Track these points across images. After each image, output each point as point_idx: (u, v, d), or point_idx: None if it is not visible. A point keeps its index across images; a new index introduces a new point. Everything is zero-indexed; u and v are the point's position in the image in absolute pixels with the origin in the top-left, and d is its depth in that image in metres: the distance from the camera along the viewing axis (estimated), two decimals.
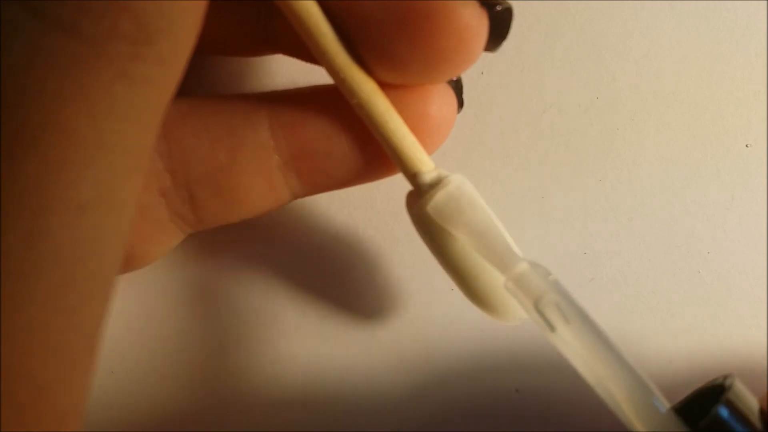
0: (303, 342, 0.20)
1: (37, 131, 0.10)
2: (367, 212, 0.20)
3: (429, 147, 0.15)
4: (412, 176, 0.15)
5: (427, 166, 0.14)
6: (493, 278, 0.15)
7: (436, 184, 0.14)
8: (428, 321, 0.20)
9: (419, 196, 0.15)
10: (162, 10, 0.10)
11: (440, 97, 0.15)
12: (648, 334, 0.20)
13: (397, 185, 0.16)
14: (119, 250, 0.11)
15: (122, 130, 0.10)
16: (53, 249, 0.10)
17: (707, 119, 0.20)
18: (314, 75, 0.16)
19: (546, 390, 0.20)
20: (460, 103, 0.16)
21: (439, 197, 0.14)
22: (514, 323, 0.16)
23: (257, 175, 0.15)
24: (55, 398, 0.11)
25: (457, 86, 0.16)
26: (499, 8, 0.14)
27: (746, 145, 0.20)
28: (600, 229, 0.20)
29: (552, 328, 0.13)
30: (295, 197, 0.16)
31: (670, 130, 0.20)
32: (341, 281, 0.20)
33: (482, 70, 0.19)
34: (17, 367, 0.10)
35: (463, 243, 0.14)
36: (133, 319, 0.20)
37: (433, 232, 0.15)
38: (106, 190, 0.10)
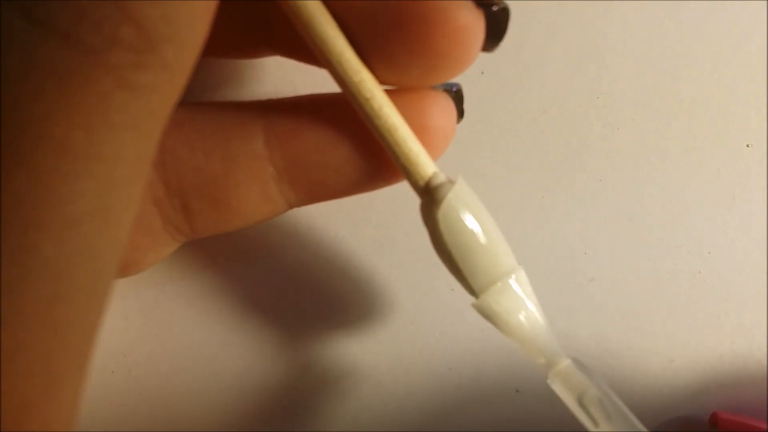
0: (303, 342, 0.20)
1: (29, 144, 0.09)
2: (366, 213, 0.20)
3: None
4: (426, 182, 0.14)
5: (436, 169, 0.14)
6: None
7: (448, 187, 0.14)
8: (428, 321, 0.20)
9: (435, 201, 0.14)
10: (167, 16, 0.10)
11: (440, 108, 0.15)
12: (648, 334, 0.20)
13: (396, 186, 0.16)
14: (113, 262, 0.11)
15: (121, 141, 0.10)
16: (41, 264, 0.10)
17: (707, 119, 0.20)
18: (312, 76, 0.16)
19: (546, 390, 0.20)
20: (460, 114, 0.16)
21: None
22: None
23: (252, 185, 0.15)
24: (41, 415, 0.10)
25: (457, 97, 0.15)
26: (495, 8, 0.13)
27: (746, 145, 0.20)
28: (600, 229, 0.20)
29: (596, 423, 0.14)
30: (291, 207, 0.16)
31: (670, 130, 0.20)
32: (341, 282, 0.20)
33: (482, 70, 0.19)
34: (1, 384, 0.10)
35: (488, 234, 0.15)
36: (134, 321, 0.20)
37: (456, 233, 0.14)
38: (101, 202, 0.10)
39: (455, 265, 0.15)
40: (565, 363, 0.14)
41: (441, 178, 0.14)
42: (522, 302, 0.15)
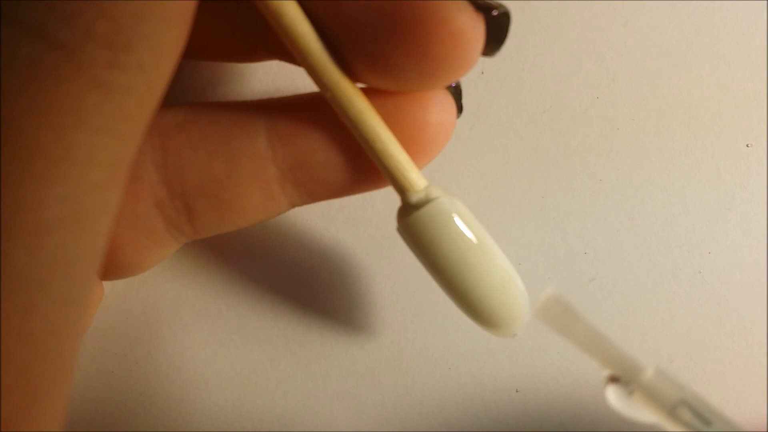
0: (303, 342, 0.20)
1: None
2: (366, 213, 0.20)
3: (429, 154, 0.15)
4: (401, 193, 0.15)
5: (417, 184, 0.14)
6: (485, 292, 0.15)
7: (421, 206, 0.14)
8: (428, 321, 0.20)
9: (406, 214, 0.15)
10: (141, 15, 0.10)
11: (439, 104, 0.14)
12: (648, 334, 0.20)
13: None
14: (91, 270, 0.11)
15: (95, 144, 0.10)
16: (13, 274, 0.09)
17: (707, 119, 0.20)
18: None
19: (546, 390, 0.20)
20: (459, 109, 0.16)
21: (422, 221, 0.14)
22: (510, 337, 0.16)
23: (254, 186, 0.15)
24: (23, 431, 0.10)
25: (456, 92, 0.15)
26: (495, 13, 0.13)
27: (746, 145, 0.20)
28: (600, 229, 0.20)
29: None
30: (293, 206, 0.16)
31: (670, 130, 0.20)
32: (341, 281, 0.20)
33: (482, 70, 0.19)
34: None
35: (454, 259, 0.14)
36: (134, 321, 0.20)
37: (421, 245, 0.15)
38: (74, 207, 0.10)
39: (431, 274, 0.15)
40: (649, 373, 0.13)
41: (414, 197, 0.14)
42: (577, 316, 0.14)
